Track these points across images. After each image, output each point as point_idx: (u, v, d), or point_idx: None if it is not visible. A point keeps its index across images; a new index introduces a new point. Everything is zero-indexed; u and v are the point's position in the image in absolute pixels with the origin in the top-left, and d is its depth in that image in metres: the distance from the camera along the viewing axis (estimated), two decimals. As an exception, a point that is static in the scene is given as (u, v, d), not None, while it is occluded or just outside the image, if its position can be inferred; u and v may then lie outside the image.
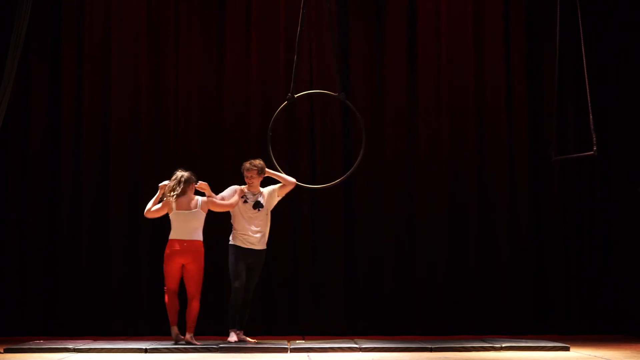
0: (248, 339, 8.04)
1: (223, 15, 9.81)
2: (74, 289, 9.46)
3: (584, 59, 8.47)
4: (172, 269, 7.90)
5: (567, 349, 7.88)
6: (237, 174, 9.54)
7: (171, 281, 7.92)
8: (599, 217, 9.77)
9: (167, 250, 7.92)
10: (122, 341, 8.28)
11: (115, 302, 9.44)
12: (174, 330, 7.89)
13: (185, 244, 7.88)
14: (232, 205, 8.09)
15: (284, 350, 7.73)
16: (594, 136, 8.33)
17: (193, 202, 7.99)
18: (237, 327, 8.00)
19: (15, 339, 8.55)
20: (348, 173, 8.39)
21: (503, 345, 7.88)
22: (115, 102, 9.66)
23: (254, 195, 8.16)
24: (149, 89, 9.72)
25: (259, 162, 8.19)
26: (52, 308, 9.44)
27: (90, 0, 9.74)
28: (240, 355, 7.48)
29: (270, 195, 8.22)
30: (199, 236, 7.94)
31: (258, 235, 8.08)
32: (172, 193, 7.94)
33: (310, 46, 9.74)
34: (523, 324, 9.56)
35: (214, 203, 8.05)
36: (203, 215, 8.00)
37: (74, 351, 7.74)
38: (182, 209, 7.95)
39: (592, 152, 8.40)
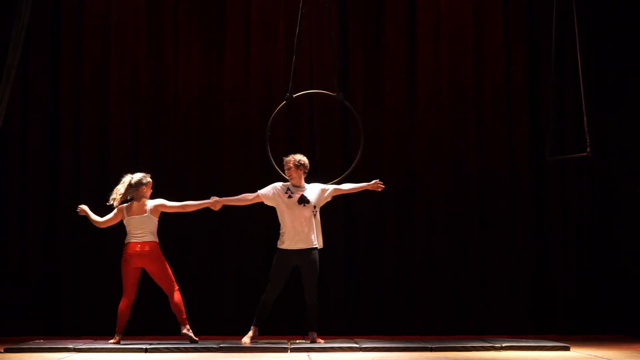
0: (319, 339, 7.98)
1: (223, 15, 9.81)
2: (74, 289, 9.46)
3: (579, 60, 8.45)
4: (129, 271, 7.98)
5: (567, 349, 7.87)
6: (237, 173, 9.57)
7: (129, 285, 8.00)
8: (599, 217, 9.76)
9: (123, 254, 8.00)
10: (122, 341, 8.27)
11: (116, 302, 9.41)
12: (117, 338, 7.94)
13: (139, 246, 7.94)
14: (183, 207, 8.04)
15: (284, 350, 7.73)
16: (587, 137, 8.34)
17: (144, 207, 8.00)
18: (257, 325, 8.01)
19: (15, 339, 8.55)
20: (346, 173, 8.39)
21: (503, 345, 7.87)
22: (115, 103, 9.67)
23: (298, 189, 8.02)
24: (148, 89, 9.73)
25: (299, 156, 8.03)
26: (52, 308, 9.45)
27: (90, 0, 9.75)
28: (240, 355, 7.48)
29: (322, 193, 8.08)
30: (153, 238, 7.98)
31: (304, 232, 7.92)
32: (120, 199, 8.02)
33: (310, 46, 9.74)
34: (523, 324, 9.56)
35: (164, 205, 8.02)
36: (154, 219, 8.01)
37: (74, 351, 7.74)
38: (133, 215, 8.00)
39: (585, 153, 8.41)
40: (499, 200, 9.75)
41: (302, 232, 7.94)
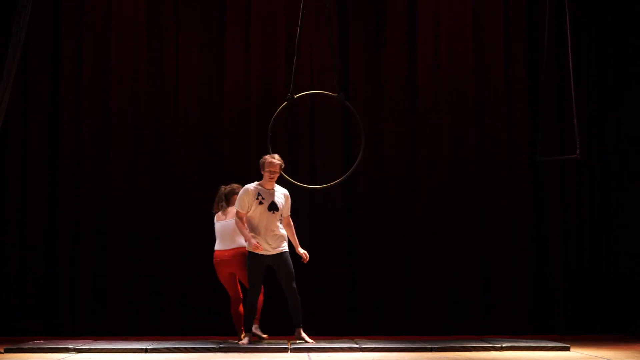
0: (304, 335, 8.00)
1: (223, 15, 9.81)
2: (74, 289, 9.46)
3: (570, 60, 8.42)
4: (222, 277, 8.22)
5: (567, 349, 7.87)
6: (237, 174, 9.56)
7: (228, 288, 8.24)
8: (599, 217, 9.76)
9: (213, 260, 8.23)
10: (122, 341, 8.28)
11: (116, 302, 9.44)
12: (241, 336, 8.07)
13: (226, 254, 8.15)
14: (238, 222, 7.99)
15: (284, 350, 7.73)
16: (577, 139, 8.32)
17: (230, 213, 8.19)
18: (249, 330, 7.99)
19: (15, 339, 8.55)
20: (347, 173, 8.37)
21: (503, 345, 7.87)
22: (115, 103, 9.66)
23: (269, 193, 7.99)
24: (148, 89, 9.72)
25: (279, 157, 8.01)
26: (52, 308, 9.44)
27: (90, 0, 9.74)
28: (240, 355, 7.48)
29: (286, 201, 8.04)
30: (239, 243, 8.12)
31: (273, 238, 7.91)
32: (215, 210, 8.32)
33: (310, 46, 9.73)
34: (523, 324, 9.56)
35: (237, 220, 8.05)
36: None
37: (74, 351, 7.74)
38: (220, 220, 8.25)
39: (575, 155, 8.39)
40: (499, 200, 9.75)
41: (271, 238, 7.93)
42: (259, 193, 7.96)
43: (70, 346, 7.84)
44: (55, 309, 9.43)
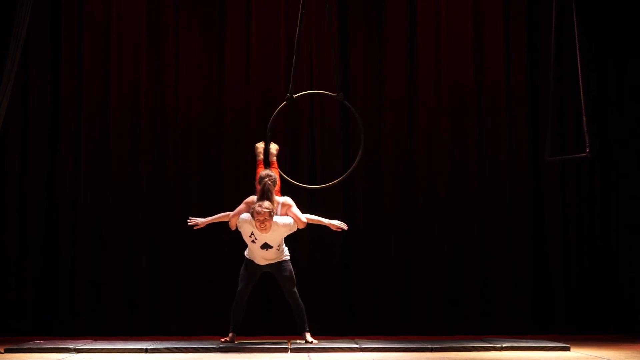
0: (310, 338, 7.96)
1: (223, 15, 9.81)
2: (74, 289, 9.46)
3: (578, 59, 8.42)
4: None
5: (567, 349, 7.87)
6: (237, 174, 9.58)
7: None
8: (599, 217, 9.76)
9: None
10: (122, 341, 8.28)
11: (115, 302, 9.44)
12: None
13: None
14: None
15: (284, 350, 7.73)
16: (587, 138, 8.31)
17: (279, 206, 8.03)
18: (234, 330, 7.97)
19: (15, 339, 8.55)
20: (347, 173, 8.36)
21: (503, 345, 7.87)
22: (114, 103, 9.66)
23: (263, 235, 7.80)
24: (148, 89, 9.71)
25: (269, 204, 7.68)
26: (52, 308, 9.44)
27: (90, 0, 9.74)
28: (241, 355, 7.48)
29: (288, 229, 7.85)
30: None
31: (269, 260, 7.91)
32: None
33: (310, 46, 9.74)
34: (523, 324, 9.55)
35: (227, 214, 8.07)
36: None
37: (74, 351, 7.74)
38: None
39: (585, 154, 8.38)
40: (499, 200, 9.75)
41: (266, 261, 7.92)
42: (252, 232, 7.81)
43: (70, 346, 7.84)
44: (55, 309, 9.43)
